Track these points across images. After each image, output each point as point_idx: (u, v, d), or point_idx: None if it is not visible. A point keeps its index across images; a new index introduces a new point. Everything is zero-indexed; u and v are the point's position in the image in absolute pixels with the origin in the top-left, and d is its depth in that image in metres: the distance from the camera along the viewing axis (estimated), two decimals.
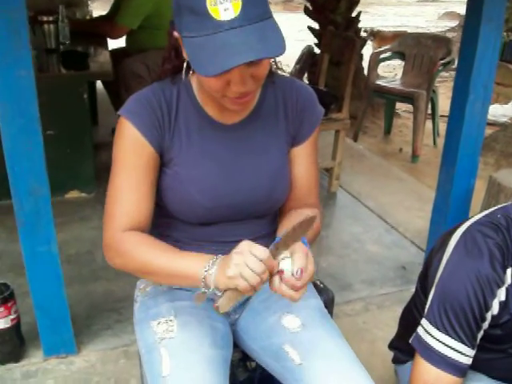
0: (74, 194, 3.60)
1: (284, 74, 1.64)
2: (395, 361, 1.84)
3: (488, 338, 1.42)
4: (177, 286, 1.47)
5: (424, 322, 1.44)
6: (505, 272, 1.35)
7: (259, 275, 1.11)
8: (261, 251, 1.12)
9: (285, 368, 1.36)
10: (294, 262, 1.15)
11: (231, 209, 1.39)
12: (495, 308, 1.36)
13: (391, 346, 1.88)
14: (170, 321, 1.38)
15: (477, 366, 1.48)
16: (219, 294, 1.17)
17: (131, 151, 1.31)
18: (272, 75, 1.39)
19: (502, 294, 1.35)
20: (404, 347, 1.67)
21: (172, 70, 1.36)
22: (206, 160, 1.36)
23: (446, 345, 1.37)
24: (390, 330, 2.33)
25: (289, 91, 1.43)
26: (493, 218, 1.43)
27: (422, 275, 1.62)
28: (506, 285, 1.35)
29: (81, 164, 3.52)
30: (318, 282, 1.67)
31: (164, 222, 1.46)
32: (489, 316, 1.37)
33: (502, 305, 1.36)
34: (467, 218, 1.51)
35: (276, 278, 1.16)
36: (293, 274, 1.15)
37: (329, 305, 1.52)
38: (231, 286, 1.14)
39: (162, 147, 1.33)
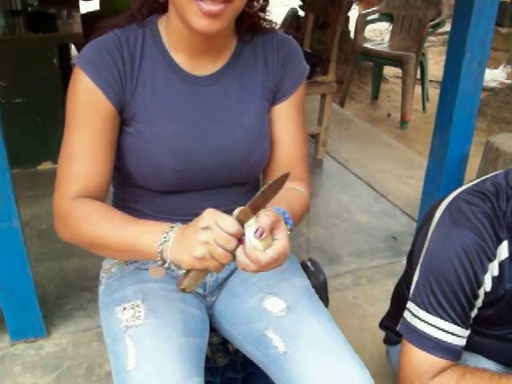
0: (46, 166, 3.45)
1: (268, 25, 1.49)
2: (387, 341, 1.75)
3: (483, 320, 1.32)
4: (145, 267, 1.33)
5: (410, 304, 1.33)
6: (497, 245, 1.24)
7: (231, 252, 0.96)
8: (229, 224, 0.95)
9: (267, 356, 1.23)
10: (256, 223, 0.97)
11: (204, 173, 1.23)
12: (488, 284, 1.25)
13: (382, 325, 1.78)
14: (137, 306, 1.23)
15: (474, 348, 1.40)
16: (181, 271, 1.03)
17: (86, 107, 1.14)
18: (252, 30, 1.25)
19: (494, 269, 1.24)
20: (396, 328, 1.55)
21: (144, 10, 1.20)
22: (174, 116, 1.20)
23: (437, 327, 1.26)
24: (382, 305, 2.25)
25: (269, 43, 1.28)
26: (481, 186, 1.32)
27: (410, 253, 1.50)
28: (498, 259, 1.24)
29: (53, 134, 3.33)
30: (309, 264, 1.51)
31: (128, 193, 1.30)
32: (481, 293, 1.26)
33: (496, 280, 1.25)
34: (454, 188, 1.38)
35: (239, 249, 0.98)
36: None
37: (320, 290, 1.37)
38: (199, 267, 0.99)
39: (122, 102, 1.17)
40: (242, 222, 0.97)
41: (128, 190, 1.29)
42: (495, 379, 1.24)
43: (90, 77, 1.12)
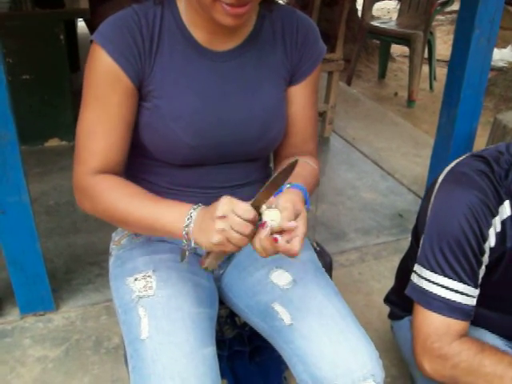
0: (53, 143, 3.47)
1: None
2: (391, 316, 1.76)
3: (488, 287, 1.32)
4: (155, 238, 1.34)
5: (417, 267, 1.34)
6: (499, 203, 1.25)
7: (247, 236, 1.01)
8: (245, 210, 1.00)
9: (273, 328, 1.24)
10: (282, 218, 1.03)
11: (218, 148, 1.24)
12: (492, 239, 1.26)
13: (387, 300, 1.79)
14: (149, 276, 1.25)
15: (479, 322, 1.40)
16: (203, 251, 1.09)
17: (105, 84, 1.14)
18: (270, 3, 1.23)
19: (497, 225, 1.25)
20: (400, 302, 1.57)
21: None
22: (191, 92, 1.19)
23: (444, 286, 1.27)
24: (387, 281, 2.26)
25: (289, 22, 1.26)
26: (482, 152, 1.34)
27: (415, 226, 1.51)
28: (500, 217, 1.25)
29: (60, 111, 3.38)
30: (315, 244, 1.53)
31: (142, 165, 1.31)
32: (487, 248, 1.26)
33: (499, 237, 1.26)
34: (458, 157, 1.40)
35: (262, 232, 1.02)
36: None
37: (326, 270, 1.38)
38: (217, 250, 1.04)
39: (140, 78, 1.17)
40: (256, 208, 1.03)
41: (142, 161, 1.30)
42: None
43: (109, 54, 1.11)
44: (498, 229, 1.25)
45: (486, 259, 1.28)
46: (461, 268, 1.25)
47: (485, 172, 1.26)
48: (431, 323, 1.29)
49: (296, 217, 1.05)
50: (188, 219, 1.06)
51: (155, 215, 1.11)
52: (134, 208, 1.13)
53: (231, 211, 0.99)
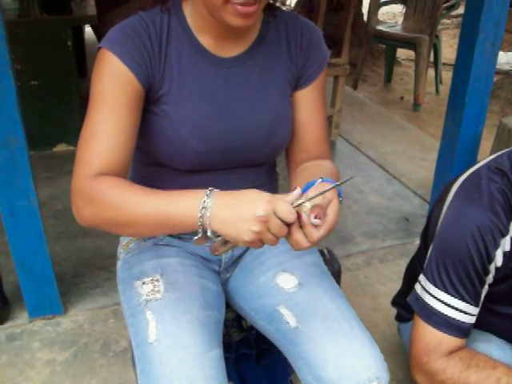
0: (61, 148, 3.49)
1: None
2: (398, 318, 1.76)
3: (495, 297, 1.33)
4: (162, 242, 1.35)
5: (422, 278, 1.34)
6: (510, 221, 1.24)
7: (280, 238, 0.98)
8: (288, 213, 0.95)
9: (279, 331, 1.26)
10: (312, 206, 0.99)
11: (225, 154, 1.24)
12: (499, 259, 1.25)
13: (394, 302, 1.80)
14: (156, 280, 1.26)
15: (485, 327, 1.41)
16: (218, 239, 1.02)
17: (113, 86, 1.12)
18: (274, 10, 1.25)
19: (506, 244, 1.25)
20: (407, 305, 1.57)
21: None
22: (199, 98, 1.20)
23: (446, 303, 1.28)
24: (393, 284, 2.27)
25: (293, 27, 1.28)
26: (498, 161, 1.32)
27: (424, 230, 1.52)
28: (511, 234, 1.25)
29: (68, 116, 3.41)
30: (325, 251, 1.53)
31: (149, 171, 1.32)
32: (492, 268, 1.27)
33: (507, 255, 1.25)
34: (472, 165, 1.39)
35: (295, 226, 0.99)
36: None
37: (335, 277, 1.39)
38: (242, 245, 1.00)
39: (150, 83, 1.17)
40: (297, 210, 0.99)
41: (149, 167, 1.31)
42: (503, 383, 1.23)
43: (118, 57, 1.11)
44: (507, 247, 1.25)
45: (490, 278, 1.28)
46: (463, 287, 1.25)
47: (500, 187, 1.25)
48: (425, 337, 1.31)
49: (327, 204, 1.01)
50: (202, 208, 0.98)
51: (165, 205, 1.02)
52: (140, 203, 1.03)
53: (273, 213, 0.95)
